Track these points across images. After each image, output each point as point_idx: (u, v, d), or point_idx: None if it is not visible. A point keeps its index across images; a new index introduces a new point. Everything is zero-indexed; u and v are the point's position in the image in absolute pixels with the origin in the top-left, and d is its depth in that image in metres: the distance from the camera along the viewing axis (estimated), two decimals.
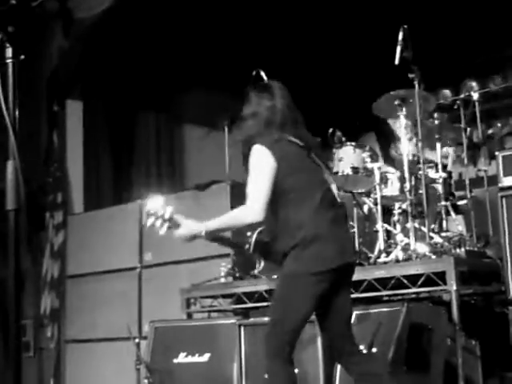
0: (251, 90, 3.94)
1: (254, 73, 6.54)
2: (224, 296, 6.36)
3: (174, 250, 7.17)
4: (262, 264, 3.86)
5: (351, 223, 5.82)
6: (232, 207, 6.72)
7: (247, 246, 3.85)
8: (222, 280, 6.42)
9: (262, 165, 3.61)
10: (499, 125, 8.41)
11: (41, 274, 8.10)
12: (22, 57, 2.49)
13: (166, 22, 7.94)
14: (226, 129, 6.88)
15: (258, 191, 3.61)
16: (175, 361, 5.68)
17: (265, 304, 5.88)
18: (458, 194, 6.46)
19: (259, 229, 3.80)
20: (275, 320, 3.57)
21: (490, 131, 8.22)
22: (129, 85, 8.82)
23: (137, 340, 5.68)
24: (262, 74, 6.56)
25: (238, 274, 6.35)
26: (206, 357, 5.58)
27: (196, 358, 5.60)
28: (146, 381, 5.54)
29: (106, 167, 8.96)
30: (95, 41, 7.98)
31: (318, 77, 8.55)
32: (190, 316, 6.45)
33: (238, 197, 6.80)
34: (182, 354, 5.68)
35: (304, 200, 3.59)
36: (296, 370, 4.98)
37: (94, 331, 7.66)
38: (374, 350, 4.38)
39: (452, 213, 5.92)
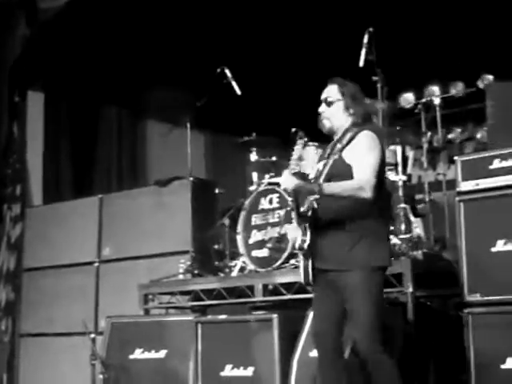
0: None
1: (218, 70, 6.55)
2: (182, 293, 6.35)
3: (132, 245, 7.15)
4: (309, 236, 3.84)
5: None
6: (193, 204, 6.78)
7: (306, 209, 3.88)
8: (181, 277, 6.40)
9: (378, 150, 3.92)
10: (459, 130, 8.51)
11: None
12: None
13: (130, 18, 7.88)
14: (189, 125, 6.85)
15: (372, 172, 3.82)
16: (131, 357, 5.66)
17: (223, 302, 5.89)
18: (417, 197, 6.53)
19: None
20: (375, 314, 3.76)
21: (449, 136, 8.30)
22: (92, 79, 8.73)
23: (93, 335, 5.65)
24: (227, 71, 6.57)
25: (196, 271, 6.34)
26: (162, 353, 5.57)
27: (152, 355, 5.59)
28: (101, 376, 5.51)
29: (66, 160, 8.88)
30: (59, 32, 7.89)
31: (282, 76, 8.56)
32: (147, 312, 6.42)
33: (199, 193, 6.81)
34: (138, 350, 5.66)
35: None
36: (252, 369, 5.04)
37: (50, 326, 7.58)
38: None
39: (411, 215, 5.98)
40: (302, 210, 3.88)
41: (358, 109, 4.03)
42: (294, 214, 3.95)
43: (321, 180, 3.85)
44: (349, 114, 4.03)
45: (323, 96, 4.08)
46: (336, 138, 4.06)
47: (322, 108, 4.08)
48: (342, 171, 3.83)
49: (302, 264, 3.88)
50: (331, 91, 4.07)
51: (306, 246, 3.82)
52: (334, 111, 4.04)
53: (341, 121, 4.03)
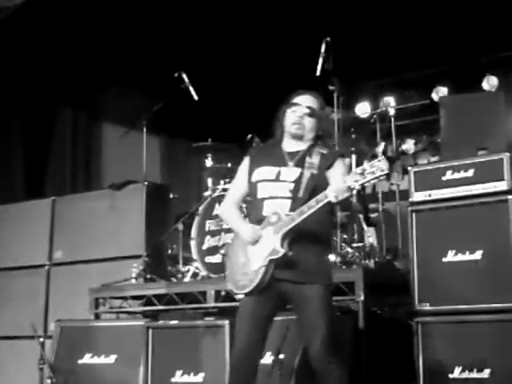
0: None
1: (175, 75, 6.53)
2: (134, 297, 6.30)
3: (85, 249, 7.09)
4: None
5: None
6: (147, 208, 6.74)
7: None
8: (133, 281, 6.35)
9: None
10: (413, 141, 8.61)
11: None
12: None
13: (86, 18, 7.82)
14: (145, 129, 6.81)
15: None
16: (80, 361, 5.60)
17: (174, 307, 5.86)
18: (370, 206, 6.59)
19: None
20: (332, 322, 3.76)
21: (403, 147, 8.40)
22: (48, 79, 8.63)
23: (41, 339, 5.57)
24: (184, 76, 6.56)
25: (148, 276, 6.30)
26: (112, 358, 5.52)
27: (102, 360, 5.54)
28: (49, 381, 5.44)
29: (18, 161, 8.76)
30: (14, 31, 7.79)
31: (239, 83, 8.58)
32: (98, 317, 6.36)
33: (153, 197, 6.78)
34: (88, 355, 5.60)
35: None
36: (202, 375, 5.03)
37: None
38: (282, 356, 4.41)
39: (364, 225, 6.03)
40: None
41: (322, 127, 4.07)
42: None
43: (302, 189, 3.82)
44: (315, 131, 4.02)
45: (307, 103, 3.99)
46: (295, 149, 3.99)
47: (301, 113, 3.98)
48: (324, 187, 3.70)
49: (264, 269, 3.75)
50: (315, 104, 4.02)
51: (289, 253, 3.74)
52: (312, 124, 3.99)
53: (311, 135, 4.00)
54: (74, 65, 8.48)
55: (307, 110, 3.97)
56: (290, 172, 3.90)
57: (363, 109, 8.47)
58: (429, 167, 4.94)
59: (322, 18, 7.54)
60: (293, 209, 3.75)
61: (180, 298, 5.84)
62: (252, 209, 4.06)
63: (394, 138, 6.58)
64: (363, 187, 6.33)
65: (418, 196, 4.82)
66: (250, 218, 4.03)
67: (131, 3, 7.63)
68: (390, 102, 8.28)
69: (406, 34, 7.90)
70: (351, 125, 6.46)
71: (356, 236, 5.95)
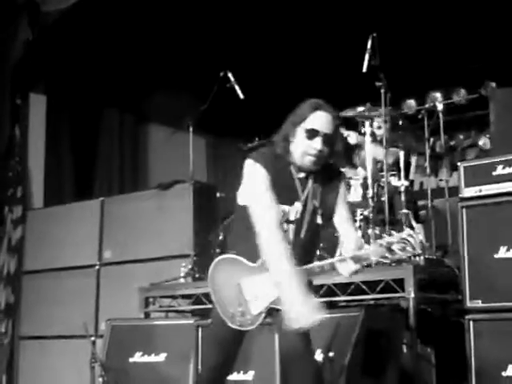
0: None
1: (221, 74, 6.55)
2: (183, 296, 6.33)
3: (133, 248, 7.14)
4: None
5: None
6: (194, 207, 6.77)
7: None
8: (182, 280, 6.39)
9: None
10: (461, 136, 8.52)
11: None
12: None
13: (133, 22, 7.89)
14: (191, 129, 6.84)
15: None
16: (131, 360, 5.64)
17: None
18: (419, 203, 6.52)
19: None
20: None
21: (452, 142, 8.31)
22: (95, 82, 8.73)
23: (93, 338, 5.63)
24: (230, 75, 6.57)
25: (197, 275, 6.33)
26: (162, 357, 5.55)
27: (152, 358, 5.57)
28: (100, 379, 5.49)
29: (67, 163, 8.86)
30: (61, 35, 7.89)
31: (285, 81, 8.56)
32: (147, 315, 6.41)
33: (200, 197, 6.81)
34: (138, 354, 5.64)
35: None
36: (253, 373, 5.02)
37: (50, 328, 7.57)
38: (331, 354, 4.39)
39: (413, 221, 5.97)
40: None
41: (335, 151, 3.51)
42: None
43: (304, 229, 3.41)
44: (328, 157, 3.48)
45: (327, 130, 3.39)
46: (303, 174, 3.48)
47: (321, 145, 3.38)
48: (328, 213, 3.47)
49: (264, 315, 3.38)
50: (333, 125, 3.43)
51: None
52: (327, 152, 3.42)
53: (323, 161, 3.45)
54: (119, 67, 8.56)
55: (326, 139, 3.38)
56: (294, 209, 3.42)
57: (410, 105, 8.40)
58: (479, 162, 4.87)
59: (368, 13, 7.49)
60: (294, 252, 3.29)
61: None
62: (246, 238, 3.40)
63: (442, 133, 6.50)
64: (411, 183, 6.30)
65: (468, 192, 4.75)
66: (241, 250, 3.46)
67: (175, 5, 7.67)
68: (437, 98, 8.19)
69: (453, 28, 7.81)
70: (399, 121, 6.39)
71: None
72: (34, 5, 7.69)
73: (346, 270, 3.28)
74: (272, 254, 3.26)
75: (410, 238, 3.14)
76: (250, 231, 3.35)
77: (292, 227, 3.40)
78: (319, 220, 3.45)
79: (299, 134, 3.41)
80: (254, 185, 3.41)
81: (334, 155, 3.46)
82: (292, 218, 3.41)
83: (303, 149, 3.38)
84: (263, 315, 3.36)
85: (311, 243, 3.52)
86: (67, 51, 8.14)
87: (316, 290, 5.16)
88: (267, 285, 3.32)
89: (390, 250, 3.15)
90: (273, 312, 3.35)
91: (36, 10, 7.76)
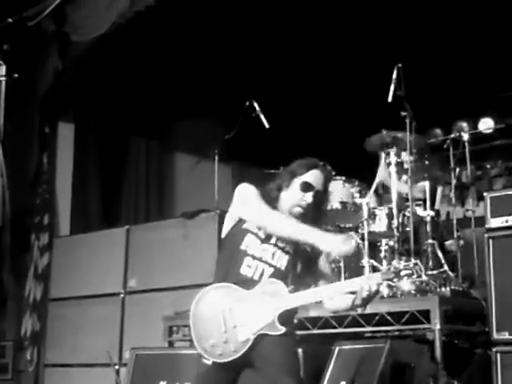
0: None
1: (247, 103, 6.58)
2: None
3: (158, 277, 7.14)
4: None
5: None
6: (219, 237, 6.76)
7: None
8: None
9: None
10: (488, 166, 8.46)
11: (23, 295, 8.02)
12: (16, 75, 2.49)
13: (159, 51, 7.98)
14: (217, 158, 6.87)
15: None
16: None
17: None
18: (445, 233, 6.47)
19: None
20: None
21: (478, 172, 8.26)
22: (121, 110, 8.83)
23: (117, 366, 5.63)
24: (255, 104, 6.60)
25: None
26: None
27: None
28: None
29: (94, 191, 8.93)
30: (90, 64, 8.00)
31: (310, 110, 8.59)
32: (171, 344, 6.39)
33: None
34: (162, 383, 5.62)
35: None
36: None
37: (74, 356, 7.57)
38: None
39: (439, 252, 5.92)
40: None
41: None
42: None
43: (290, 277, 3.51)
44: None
45: (320, 187, 3.62)
46: None
47: (312, 199, 3.58)
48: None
49: (252, 342, 3.38)
50: (324, 182, 3.66)
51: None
52: (314, 205, 3.61)
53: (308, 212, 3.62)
54: (146, 95, 8.64)
55: (317, 195, 3.59)
56: (281, 257, 3.55)
57: (436, 134, 8.37)
58: (505, 192, 4.83)
59: (393, 43, 7.51)
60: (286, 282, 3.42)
61: None
62: (221, 264, 3.69)
63: (468, 163, 6.46)
64: (438, 213, 6.25)
65: (494, 222, 4.72)
66: (218, 276, 3.63)
67: (202, 36, 7.74)
68: (463, 127, 8.16)
69: (477, 59, 7.81)
70: (424, 151, 6.37)
71: (431, 263, 5.85)
72: (64, 35, 7.79)
73: (334, 305, 3.41)
74: (274, 219, 3.54)
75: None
76: (226, 259, 3.65)
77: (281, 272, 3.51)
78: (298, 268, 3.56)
79: (294, 185, 3.64)
80: (246, 196, 3.71)
81: (320, 213, 3.67)
82: (278, 264, 3.53)
83: (295, 199, 3.61)
84: (250, 343, 3.35)
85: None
86: (96, 80, 8.24)
87: (340, 320, 5.13)
88: (258, 311, 3.38)
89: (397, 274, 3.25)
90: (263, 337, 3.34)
91: (66, 39, 7.87)
